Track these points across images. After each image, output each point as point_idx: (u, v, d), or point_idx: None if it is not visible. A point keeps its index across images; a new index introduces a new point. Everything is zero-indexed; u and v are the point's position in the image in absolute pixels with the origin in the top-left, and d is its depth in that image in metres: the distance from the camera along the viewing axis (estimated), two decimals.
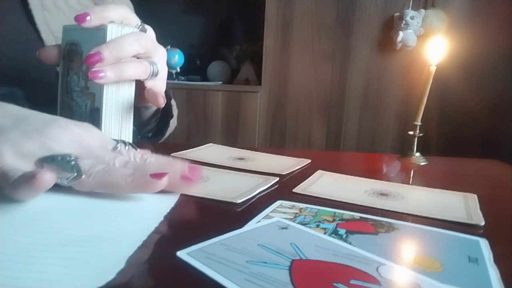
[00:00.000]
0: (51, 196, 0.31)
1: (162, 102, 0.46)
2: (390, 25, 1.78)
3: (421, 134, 0.56)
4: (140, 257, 0.24)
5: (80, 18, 0.40)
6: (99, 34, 0.43)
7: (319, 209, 0.33)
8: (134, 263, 0.23)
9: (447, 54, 0.54)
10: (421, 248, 0.28)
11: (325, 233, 0.28)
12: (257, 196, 0.36)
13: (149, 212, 0.31)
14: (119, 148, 0.37)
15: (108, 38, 0.43)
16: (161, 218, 0.29)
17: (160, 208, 0.31)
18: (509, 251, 0.29)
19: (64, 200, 0.31)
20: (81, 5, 0.63)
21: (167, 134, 0.73)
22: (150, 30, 0.48)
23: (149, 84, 0.46)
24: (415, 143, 0.56)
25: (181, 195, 0.35)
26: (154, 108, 0.58)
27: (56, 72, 0.53)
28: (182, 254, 0.24)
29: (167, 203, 0.32)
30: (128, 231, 0.27)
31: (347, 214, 0.32)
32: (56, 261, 0.22)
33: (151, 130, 0.63)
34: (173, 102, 0.70)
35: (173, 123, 0.75)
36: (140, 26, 0.46)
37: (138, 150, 0.38)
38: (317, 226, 0.29)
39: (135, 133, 0.64)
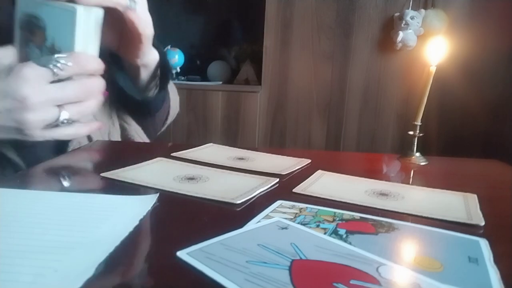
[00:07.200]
0: (26, 200, 0.31)
1: (149, 29, 0.50)
2: (390, 25, 1.78)
3: (421, 134, 0.56)
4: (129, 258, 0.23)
5: None
6: (67, 15, 0.41)
7: (319, 209, 0.33)
8: (105, 269, 0.22)
9: (447, 54, 0.54)
10: (421, 248, 0.28)
11: (325, 233, 0.28)
12: (257, 196, 0.36)
13: (124, 216, 0.30)
14: (58, 74, 0.41)
15: (78, 22, 0.41)
16: (136, 222, 0.28)
17: (136, 212, 0.30)
18: (509, 251, 0.29)
19: (39, 204, 0.31)
20: None
21: (168, 121, 0.71)
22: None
23: (131, 15, 0.48)
24: (415, 143, 0.56)
25: (160, 195, 0.34)
26: (152, 67, 0.58)
27: None
28: (182, 254, 0.24)
29: (144, 206, 0.31)
30: (101, 237, 0.26)
31: (347, 214, 0.32)
32: (26, 269, 0.21)
33: (154, 87, 0.62)
34: (170, 87, 0.70)
35: (176, 107, 0.74)
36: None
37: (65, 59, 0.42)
38: (317, 226, 0.29)
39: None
